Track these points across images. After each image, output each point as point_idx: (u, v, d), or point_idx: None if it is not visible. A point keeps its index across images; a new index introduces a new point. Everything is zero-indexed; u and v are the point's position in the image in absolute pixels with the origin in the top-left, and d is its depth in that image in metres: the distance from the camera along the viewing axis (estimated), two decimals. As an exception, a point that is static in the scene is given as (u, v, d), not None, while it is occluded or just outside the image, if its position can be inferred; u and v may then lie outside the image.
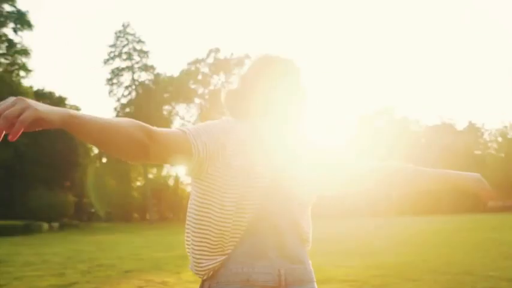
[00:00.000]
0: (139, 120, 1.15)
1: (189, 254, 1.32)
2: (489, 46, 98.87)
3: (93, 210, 58.09)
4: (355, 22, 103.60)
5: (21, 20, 38.46)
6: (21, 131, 0.90)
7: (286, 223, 1.29)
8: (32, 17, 44.85)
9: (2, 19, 37.75)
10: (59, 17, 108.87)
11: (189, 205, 1.33)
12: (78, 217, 48.03)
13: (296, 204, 1.32)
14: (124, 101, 53.24)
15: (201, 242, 1.25)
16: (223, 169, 1.23)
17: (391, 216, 37.04)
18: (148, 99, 50.00)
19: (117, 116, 52.79)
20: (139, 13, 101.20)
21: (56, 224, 35.38)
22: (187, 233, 1.32)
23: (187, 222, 1.33)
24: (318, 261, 8.93)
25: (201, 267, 1.25)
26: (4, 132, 0.90)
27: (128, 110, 52.33)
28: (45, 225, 32.83)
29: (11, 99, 0.92)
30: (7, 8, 37.91)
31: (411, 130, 52.42)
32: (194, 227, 1.28)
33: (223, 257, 1.23)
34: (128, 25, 53.47)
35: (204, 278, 1.26)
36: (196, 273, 1.28)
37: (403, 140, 47.13)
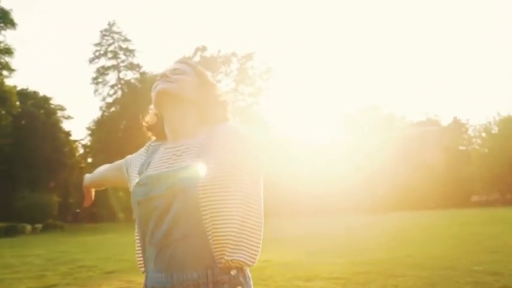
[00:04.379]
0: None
1: (240, 246, 1.31)
2: (474, 42, 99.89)
3: (78, 210, 57.51)
4: (338, 19, 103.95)
5: (4, 19, 37.75)
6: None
7: None
8: (15, 16, 43.90)
9: (-17, 18, 37.09)
10: (43, 15, 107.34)
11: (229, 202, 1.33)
12: (62, 218, 47.33)
13: None
14: (110, 100, 52.54)
15: (259, 235, 1.36)
16: None
17: (378, 213, 37.21)
18: (135, 98, 49.18)
19: (103, 115, 52.27)
20: (125, 12, 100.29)
21: (39, 226, 34.79)
22: (234, 225, 1.31)
23: (230, 216, 1.31)
24: (303, 259, 8.90)
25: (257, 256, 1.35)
26: None
27: (113, 109, 51.68)
28: (28, 227, 32.36)
29: None
30: (-11, 6, 37.29)
31: (396, 127, 52.92)
32: (248, 222, 1.33)
33: None
34: (114, 24, 52.83)
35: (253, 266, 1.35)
36: (253, 263, 1.33)
37: (389, 137, 47.57)
